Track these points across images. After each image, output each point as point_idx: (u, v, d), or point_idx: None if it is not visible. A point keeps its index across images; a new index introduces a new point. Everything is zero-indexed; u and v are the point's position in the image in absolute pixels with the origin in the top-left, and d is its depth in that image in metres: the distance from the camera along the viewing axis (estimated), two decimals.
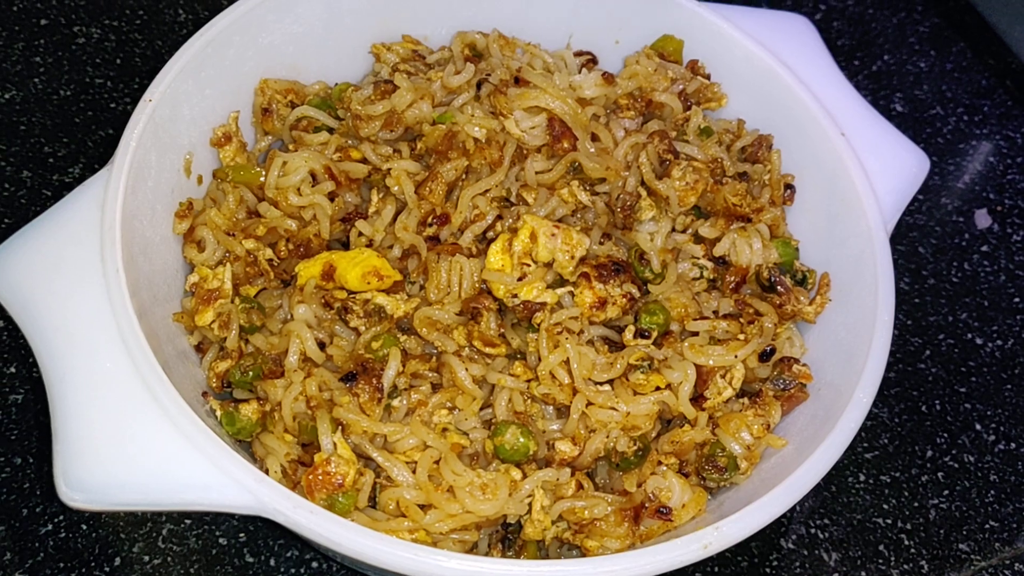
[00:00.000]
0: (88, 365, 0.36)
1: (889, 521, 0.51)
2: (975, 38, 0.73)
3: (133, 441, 0.35)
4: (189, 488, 0.35)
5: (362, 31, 0.52)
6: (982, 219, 0.64)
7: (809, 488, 0.37)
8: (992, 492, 0.53)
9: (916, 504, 0.52)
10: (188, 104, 0.45)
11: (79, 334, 0.37)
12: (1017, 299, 0.61)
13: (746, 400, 0.43)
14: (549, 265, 0.43)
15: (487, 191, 0.45)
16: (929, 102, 0.70)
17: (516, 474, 0.40)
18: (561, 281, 0.44)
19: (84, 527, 0.46)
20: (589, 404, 0.41)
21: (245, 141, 0.48)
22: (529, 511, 0.40)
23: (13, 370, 0.50)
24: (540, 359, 0.41)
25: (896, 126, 0.67)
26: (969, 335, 0.59)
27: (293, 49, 0.50)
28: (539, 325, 0.42)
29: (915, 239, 0.62)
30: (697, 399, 0.43)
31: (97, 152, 0.58)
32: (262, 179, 0.45)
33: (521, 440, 0.40)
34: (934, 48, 0.73)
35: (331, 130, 0.48)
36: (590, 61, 0.53)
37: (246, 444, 0.42)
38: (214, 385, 0.42)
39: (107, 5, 0.64)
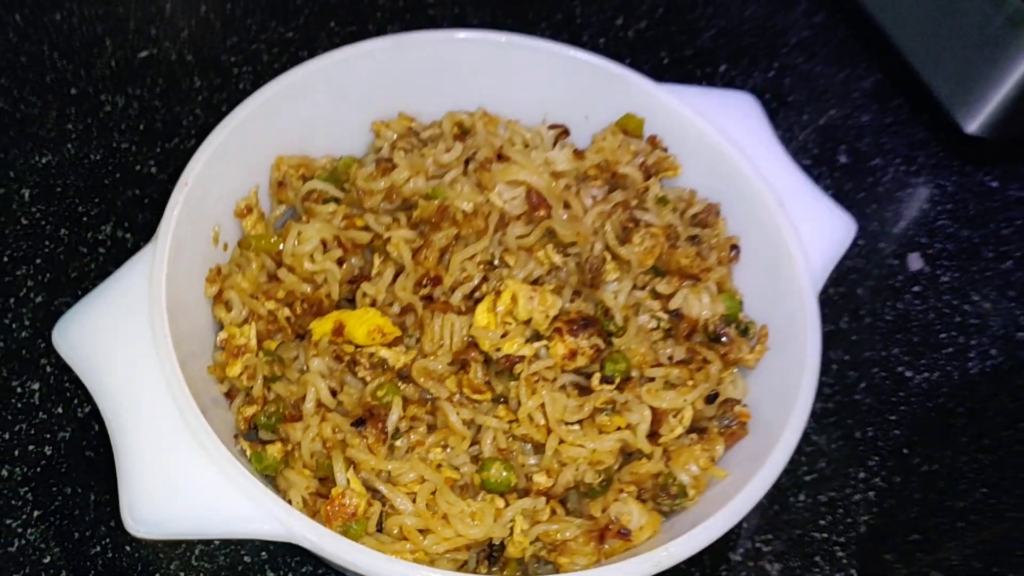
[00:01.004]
0: (144, 418, 0.43)
1: (825, 535, 0.59)
2: (912, 94, 0.81)
3: (184, 481, 0.42)
4: (231, 520, 0.42)
5: (363, 109, 0.59)
6: (915, 262, 0.72)
7: (743, 515, 0.45)
8: (915, 508, 0.61)
9: (849, 520, 0.60)
10: (216, 183, 0.52)
11: (135, 391, 0.44)
12: (943, 335, 0.68)
13: (695, 435, 0.51)
14: (528, 322, 0.51)
15: (474, 255, 0.53)
16: (870, 153, 0.78)
17: (500, 503, 0.47)
18: (538, 335, 0.51)
19: (128, 548, 0.53)
20: (561, 442, 0.48)
21: (264, 211, 0.55)
22: (511, 533, 0.47)
23: (60, 411, 0.57)
24: (520, 404, 0.49)
25: (840, 176, 0.76)
26: (900, 368, 0.66)
27: (303, 128, 0.57)
28: (519, 375, 0.49)
29: (854, 281, 0.70)
30: (653, 435, 0.50)
31: (125, 211, 0.65)
32: (280, 247, 0.53)
33: (504, 474, 0.47)
34: (876, 103, 0.81)
35: (338, 200, 0.56)
36: (563, 133, 0.61)
37: (271, 478, 0.49)
38: (242, 427, 0.50)
39: (130, 75, 0.71)
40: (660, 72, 0.79)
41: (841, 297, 0.69)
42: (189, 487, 0.42)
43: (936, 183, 0.77)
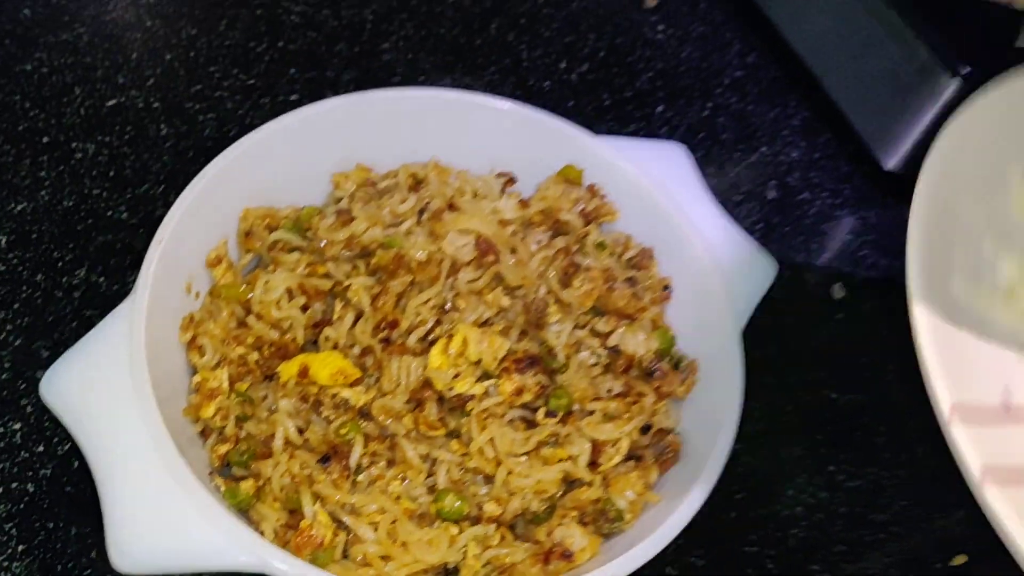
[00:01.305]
0: (127, 462, 0.48)
1: (756, 549, 0.64)
2: (839, 130, 0.87)
3: (166, 520, 0.46)
4: (210, 554, 0.46)
5: (324, 161, 0.63)
6: (837, 291, 0.78)
7: (674, 536, 0.50)
8: (840, 522, 0.66)
9: (779, 534, 0.65)
10: (189, 238, 0.56)
11: (118, 438, 0.48)
12: (864, 359, 0.74)
13: (632, 463, 0.56)
14: (478, 363, 0.55)
15: (428, 300, 0.57)
16: (799, 188, 0.84)
17: (454, 530, 0.52)
18: (487, 375, 0.56)
19: None
20: (510, 473, 0.53)
21: (232, 260, 0.60)
22: (464, 558, 0.52)
23: (41, 449, 0.60)
24: (471, 438, 0.53)
25: (769, 210, 0.81)
26: (825, 391, 0.72)
27: (268, 182, 0.61)
28: (471, 411, 0.54)
29: (782, 309, 0.75)
30: (593, 464, 0.55)
31: (98, 256, 0.68)
32: (249, 295, 0.57)
33: (457, 504, 0.52)
34: (804, 140, 0.87)
35: (301, 249, 0.60)
36: (509, 180, 0.66)
37: (244, 511, 0.53)
38: (216, 464, 0.54)
39: (99, 123, 0.75)
40: (601, 112, 0.84)
41: (770, 325, 0.74)
42: (171, 525, 0.46)
43: (859, 215, 0.83)
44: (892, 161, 0.81)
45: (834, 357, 0.73)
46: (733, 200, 0.81)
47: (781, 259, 0.77)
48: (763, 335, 0.73)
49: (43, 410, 0.61)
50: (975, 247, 0.48)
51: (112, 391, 0.49)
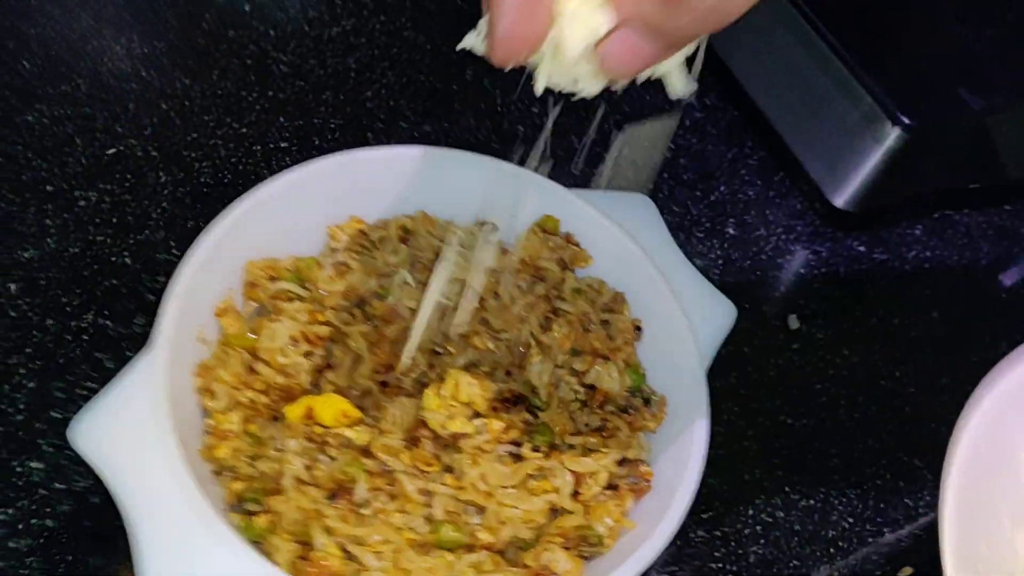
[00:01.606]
0: (154, 501, 0.52)
1: (721, 565, 0.70)
2: (791, 169, 0.93)
3: (192, 554, 0.51)
4: None
5: (320, 215, 0.68)
6: (793, 321, 0.84)
7: (649, 563, 0.55)
8: (796, 539, 0.72)
9: (740, 551, 0.71)
10: (199, 291, 0.61)
11: (144, 479, 0.53)
12: (819, 386, 0.80)
13: (609, 492, 0.61)
14: (468, 404, 0.61)
15: (419, 349, 0.63)
16: (755, 224, 0.90)
17: (451, 557, 0.57)
18: (477, 414, 0.61)
19: None
20: (500, 504, 0.58)
21: (239, 310, 0.64)
22: None
23: (59, 486, 0.64)
24: (464, 473, 0.59)
25: (728, 246, 0.88)
26: (782, 417, 0.78)
27: (269, 235, 0.66)
28: (463, 448, 0.59)
29: (742, 340, 0.81)
30: (574, 494, 0.61)
31: (104, 300, 0.72)
32: (256, 343, 0.62)
33: (453, 534, 0.57)
34: (760, 179, 0.93)
35: (302, 298, 0.65)
36: (492, 227, 0.71)
37: (257, 543, 0.58)
38: (230, 500, 0.59)
39: (100, 171, 0.79)
40: (571, 154, 0.89)
41: (731, 355, 0.80)
42: (198, 559, 0.51)
43: (812, 249, 0.89)
44: (840, 199, 0.88)
45: (790, 385, 0.80)
46: (696, 236, 0.88)
47: (740, 292, 0.83)
48: (725, 365, 0.79)
49: (60, 449, 0.66)
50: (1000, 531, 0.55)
51: (138, 437, 0.54)
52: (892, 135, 0.82)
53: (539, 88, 0.42)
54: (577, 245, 0.70)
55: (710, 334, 0.65)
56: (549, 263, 0.68)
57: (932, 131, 0.82)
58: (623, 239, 0.68)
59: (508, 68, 0.40)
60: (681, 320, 0.64)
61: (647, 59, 0.37)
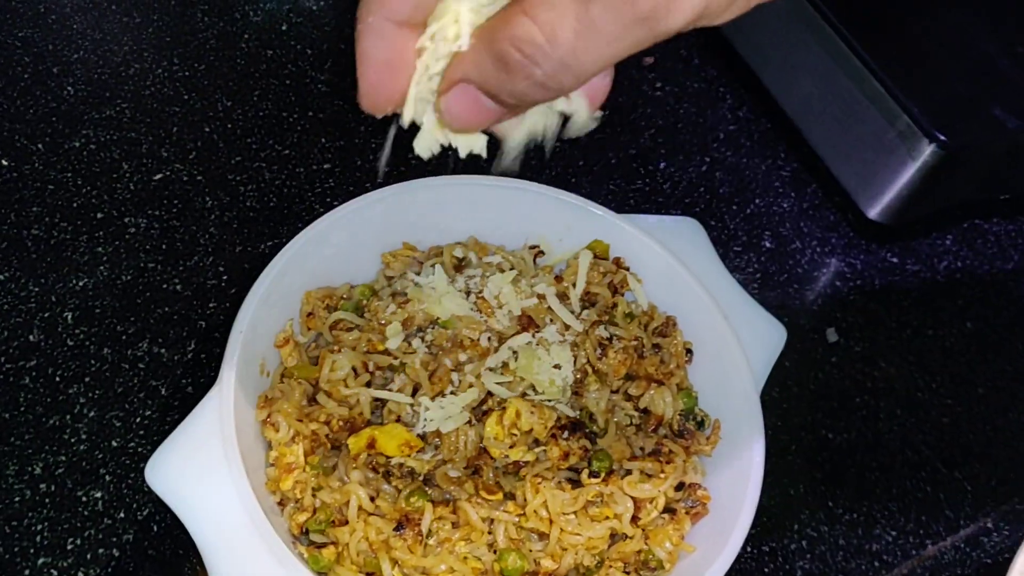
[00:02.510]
0: (226, 535, 0.53)
1: None
2: (824, 181, 0.94)
3: None
4: None
5: (374, 243, 0.69)
6: (831, 335, 0.85)
7: None
8: (840, 553, 0.74)
9: (787, 567, 0.72)
10: (261, 324, 0.62)
11: (217, 514, 0.54)
12: (858, 399, 0.82)
13: (666, 516, 0.63)
14: (529, 432, 0.62)
15: (478, 376, 0.64)
16: (790, 237, 0.91)
17: None
18: (537, 442, 0.62)
19: None
20: (562, 531, 0.60)
21: (298, 340, 0.66)
22: None
23: (122, 515, 0.66)
24: (526, 500, 0.60)
25: (766, 259, 0.88)
26: (823, 431, 0.79)
27: (326, 265, 0.67)
28: (524, 476, 0.61)
29: (782, 355, 0.83)
30: (633, 519, 0.62)
31: (158, 328, 0.74)
32: (317, 375, 0.63)
33: (519, 562, 0.58)
34: (794, 191, 0.94)
35: (360, 327, 0.66)
36: (539, 252, 0.72)
37: (324, 575, 0.59)
38: (295, 532, 0.60)
39: (148, 197, 0.80)
40: (609, 171, 0.90)
41: (772, 370, 0.82)
42: None
43: (847, 261, 0.90)
44: (874, 212, 0.89)
45: (829, 398, 0.81)
46: (733, 250, 0.89)
47: (778, 306, 0.85)
48: (768, 380, 0.81)
49: (121, 478, 0.67)
50: None
51: (209, 473, 0.55)
52: (927, 151, 0.83)
53: (404, 122, 0.42)
54: (627, 269, 0.71)
55: (761, 356, 0.66)
56: (600, 288, 0.69)
57: (966, 148, 0.83)
58: (672, 263, 0.69)
59: (380, 117, 0.40)
60: (733, 342, 0.66)
61: (490, 116, 0.36)
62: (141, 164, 0.81)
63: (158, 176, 0.81)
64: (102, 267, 0.75)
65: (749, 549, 0.72)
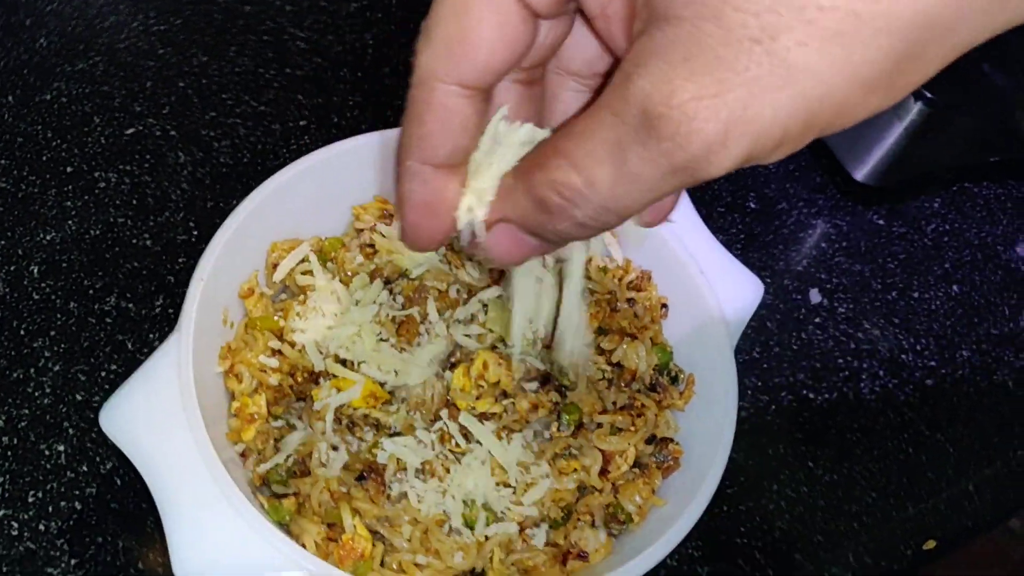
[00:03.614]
0: (183, 483, 0.52)
1: (745, 540, 0.70)
2: (812, 143, 0.92)
3: (220, 534, 0.51)
4: (260, 566, 0.51)
5: (345, 195, 0.68)
6: (815, 296, 0.84)
7: (680, 540, 0.55)
8: (819, 514, 0.72)
9: (765, 526, 0.71)
10: (224, 273, 0.61)
11: (174, 462, 0.53)
12: (841, 360, 0.80)
13: (637, 470, 0.61)
14: (496, 384, 0.61)
15: (448, 327, 0.62)
16: (776, 199, 0.89)
17: (481, 537, 0.57)
18: (505, 394, 0.61)
19: None
20: (528, 483, 0.58)
21: (265, 292, 0.64)
22: (491, 563, 0.57)
23: (85, 468, 0.65)
24: (493, 453, 0.59)
25: (750, 220, 0.87)
26: (804, 391, 0.78)
27: (294, 216, 0.65)
28: (492, 428, 0.59)
29: (764, 315, 0.81)
30: (603, 472, 0.61)
31: (127, 283, 0.72)
32: (281, 324, 0.62)
33: (483, 513, 0.57)
34: None
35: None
36: None
37: (284, 525, 0.58)
38: (257, 483, 0.59)
39: (119, 152, 0.79)
40: None
41: (753, 330, 0.80)
42: (225, 540, 0.51)
43: (833, 223, 0.89)
44: (861, 174, 0.87)
45: (811, 359, 0.80)
46: (717, 211, 0.87)
47: (762, 267, 0.83)
48: (747, 339, 0.80)
49: (85, 432, 0.66)
50: None
51: (166, 420, 0.54)
52: (914, 110, 0.81)
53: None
54: None
55: (737, 311, 0.65)
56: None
57: (954, 107, 0.81)
58: None
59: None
60: (708, 297, 0.64)
61: (533, 250, 0.36)
62: (113, 118, 0.80)
63: (130, 131, 0.80)
64: (70, 221, 0.74)
65: (726, 508, 0.71)
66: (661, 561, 0.66)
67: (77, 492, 0.64)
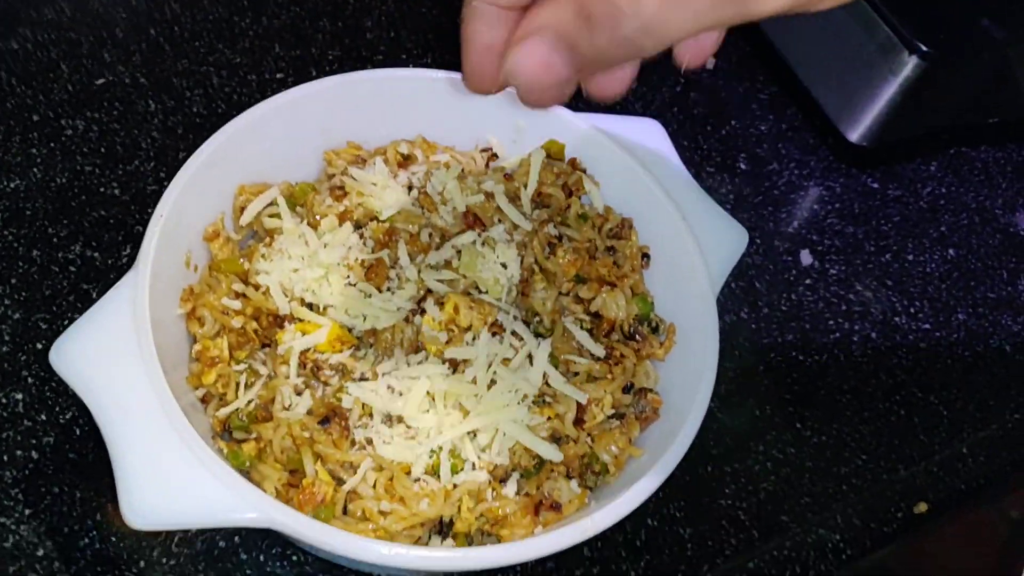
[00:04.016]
0: (135, 425, 0.50)
1: (730, 502, 0.68)
2: (805, 104, 0.90)
3: (175, 479, 0.49)
4: (218, 511, 0.49)
5: (316, 139, 0.65)
6: (806, 257, 0.81)
7: (655, 488, 0.53)
8: (807, 475, 0.70)
9: (750, 488, 0.68)
10: (187, 213, 0.58)
11: (126, 402, 0.50)
12: (832, 322, 0.78)
13: (615, 421, 0.59)
14: (468, 329, 0.58)
15: (419, 271, 0.60)
16: (768, 159, 0.87)
17: (449, 485, 0.55)
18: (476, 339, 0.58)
19: (114, 539, 0.59)
20: (499, 431, 0.56)
21: (230, 235, 0.62)
22: (459, 512, 0.55)
23: (43, 417, 0.62)
24: (463, 399, 0.56)
25: (740, 180, 0.85)
26: (793, 352, 0.76)
27: (262, 159, 0.63)
28: (463, 373, 0.57)
29: (753, 276, 0.79)
30: (579, 422, 0.58)
31: (92, 231, 0.70)
32: (246, 267, 0.59)
33: (451, 460, 0.55)
34: (772, 113, 0.90)
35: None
36: (492, 155, 0.68)
37: (245, 472, 0.56)
38: (217, 429, 0.56)
39: (88, 99, 0.76)
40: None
41: (742, 290, 0.78)
42: (179, 484, 0.49)
43: (826, 184, 0.86)
44: (855, 134, 0.84)
45: (801, 320, 0.77)
46: (706, 171, 0.85)
47: (752, 227, 0.81)
48: (736, 300, 0.77)
49: (44, 380, 0.63)
50: None
51: (119, 359, 0.51)
52: (909, 64, 0.78)
53: None
54: (583, 171, 0.67)
55: (721, 259, 0.63)
56: (553, 188, 0.65)
57: (951, 61, 0.79)
58: (631, 164, 0.65)
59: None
60: (691, 245, 0.62)
61: (556, 76, 0.35)
62: (81, 66, 0.78)
63: (99, 80, 0.77)
64: (35, 169, 0.72)
65: (710, 469, 0.68)
66: (642, 521, 0.65)
67: (34, 441, 0.62)
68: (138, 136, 0.75)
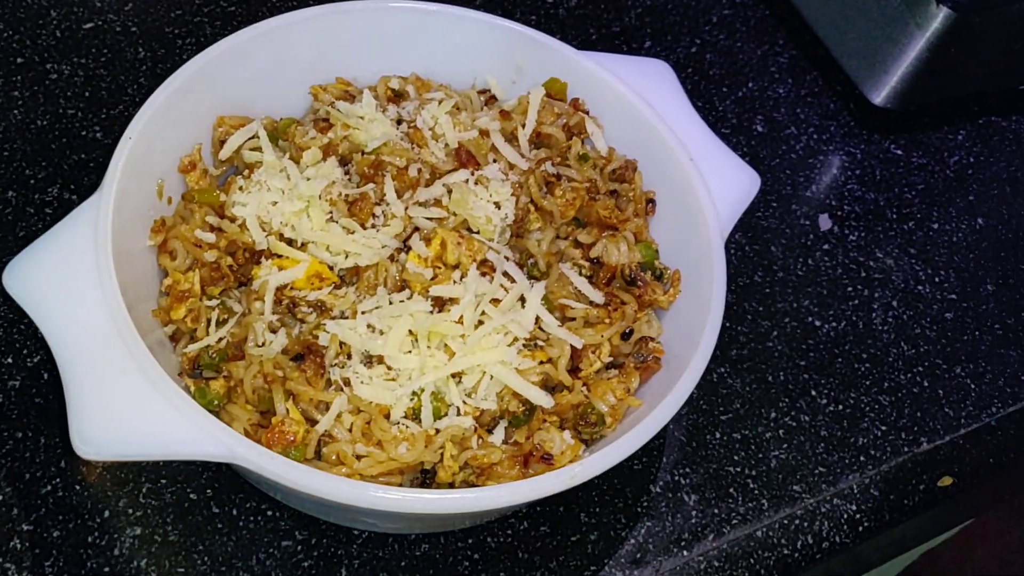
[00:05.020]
0: (92, 352, 0.46)
1: (739, 469, 0.63)
2: (825, 68, 0.86)
3: (129, 407, 0.45)
4: (175, 442, 0.45)
5: (302, 74, 0.62)
6: (824, 222, 0.77)
7: (650, 437, 0.49)
8: (821, 445, 0.65)
9: (760, 455, 0.64)
10: (160, 139, 0.55)
11: (83, 328, 0.47)
12: (850, 288, 0.73)
13: (614, 370, 0.55)
14: (456, 267, 0.54)
15: (406, 208, 0.56)
16: (785, 123, 0.83)
17: (430, 429, 0.51)
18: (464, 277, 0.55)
19: (78, 487, 0.55)
20: (486, 374, 0.52)
21: (207, 168, 0.58)
22: (441, 459, 0.51)
23: (9, 360, 0.59)
24: (448, 339, 0.52)
25: (756, 144, 0.80)
26: (809, 319, 0.71)
27: (244, 91, 0.60)
28: (447, 312, 0.53)
29: (768, 240, 0.75)
30: (575, 371, 0.54)
31: (72, 174, 0.67)
32: (223, 199, 0.56)
33: (434, 404, 0.51)
34: (791, 77, 0.86)
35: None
36: (491, 98, 0.65)
37: (214, 414, 0.52)
38: (186, 367, 0.53)
39: (75, 44, 0.73)
40: (588, 46, 0.82)
41: (756, 254, 0.74)
42: (134, 412, 0.45)
43: (846, 150, 0.82)
44: (879, 96, 0.80)
45: (818, 286, 0.73)
46: (721, 132, 0.80)
47: (767, 190, 0.77)
48: (750, 263, 0.73)
49: (13, 321, 0.60)
50: None
51: (77, 282, 0.48)
52: (937, 17, 0.74)
53: None
54: (586, 112, 0.63)
55: (729, 204, 0.58)
56: (554, 129, 0.61)
57: (984, 13, 0.74)
58: (636, 104, 0.61)
59: None
60: (699, 186, 0.58)
61: None
62: (71, 12, 0.75)
63: (88, 25, 0.75)
64: (16, 111, 0.69)
65: (719, 436, 0.64)
66: (644, 487, 0.60)
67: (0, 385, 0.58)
68: (124, 82, 0.72)
